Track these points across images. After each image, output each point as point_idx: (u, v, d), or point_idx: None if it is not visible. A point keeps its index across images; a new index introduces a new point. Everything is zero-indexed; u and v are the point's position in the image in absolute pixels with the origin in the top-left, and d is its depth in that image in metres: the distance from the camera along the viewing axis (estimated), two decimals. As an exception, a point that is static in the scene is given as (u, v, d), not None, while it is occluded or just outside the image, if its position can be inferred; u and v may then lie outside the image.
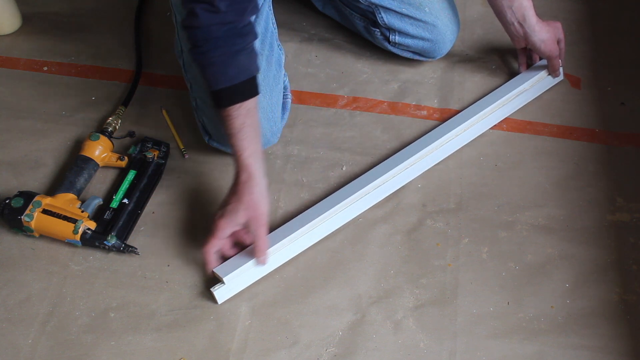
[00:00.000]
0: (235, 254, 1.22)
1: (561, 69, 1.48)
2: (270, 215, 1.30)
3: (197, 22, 1.10)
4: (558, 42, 1.44)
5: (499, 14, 1.42)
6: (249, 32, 1.14)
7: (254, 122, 1.17)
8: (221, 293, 1.20)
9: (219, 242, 1.19)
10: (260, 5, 1.34)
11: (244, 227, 1.19)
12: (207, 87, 1.15)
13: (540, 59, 1.49)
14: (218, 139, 1.34)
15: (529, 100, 1.47)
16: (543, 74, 1.47)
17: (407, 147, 1.37)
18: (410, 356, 1.15)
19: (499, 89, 1.47)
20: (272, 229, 1.27)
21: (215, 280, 1.21)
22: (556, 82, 1.50)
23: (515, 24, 1.41)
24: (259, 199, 1.17)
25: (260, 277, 1.23)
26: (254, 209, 1.17)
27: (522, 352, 1.15)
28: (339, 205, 1.28)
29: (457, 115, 1.42)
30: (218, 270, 1.20)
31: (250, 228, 1.18)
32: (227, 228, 1.18)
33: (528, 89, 1.47)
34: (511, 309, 1.20)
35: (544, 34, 1.41)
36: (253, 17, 1.17)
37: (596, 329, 1.17)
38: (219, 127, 1.30)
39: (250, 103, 1.16)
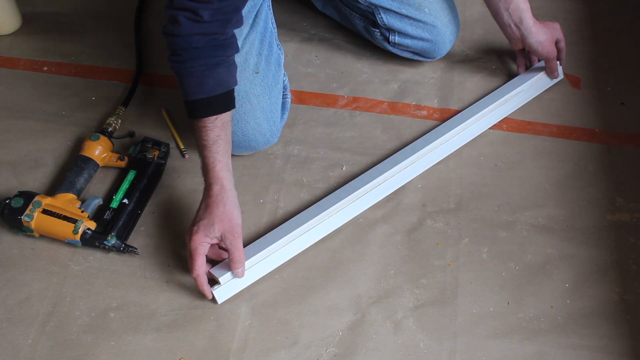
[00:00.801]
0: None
1: (561, 69, 1.48)
2: (270, 215, 1.31)
3: (179, 30, 1.09)
4: (557, 43, 1.44)
5: (496, 16, 1.42)
6: (231, 45, 1.14)
7: (228, 135, 1.17)
8: (220, 293, 1.20)
9: (202, 260, 1.16)
10: (259, 6, 1.34)
11: (219, 240, 1.17)
12: (183, 96, 1.15)
13: (539, 60, 1.49)
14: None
15: (528, 100, 1.47)
16: (542, 74, 1.47)
17: (407, 147, 1.37)
18: (410, 356, 1.15)
19: (498, 89, 1.47)
20: (271, 228, 1.27)
21: (214, 280, 1.21)
22: (555, 82, 1.50)
23: (512, 26, 1.41)
24: (232, 210, 1.16)
25: (261, 276, 1.23)
26: (229, 221, 1.15)
27: (522, 352, 1.15)
28: (338, 205, 1.28)
29: (457, 115, 1.43)
30: (214, 271, 1.20)
31: (226, 241, 1.16)
32: (204, 243, 1.16)
33: (526, 89, 1.47)
34: (511, 309, 1.20)
35: (541, 36, 1.41)
36: (236, 30, 1.16)
37: (596, 329, 1.17)
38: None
39: (226, 116, 1.16)
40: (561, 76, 1.50)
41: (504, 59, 1.55)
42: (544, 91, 1.49)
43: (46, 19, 1.66)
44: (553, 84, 1.50)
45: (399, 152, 1.37)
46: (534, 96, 1.48)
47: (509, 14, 1.39)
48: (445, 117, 1.45)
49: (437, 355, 1.15)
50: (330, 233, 1.29)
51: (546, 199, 1.33)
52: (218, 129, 1.15)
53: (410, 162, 1.35)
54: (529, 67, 1.50)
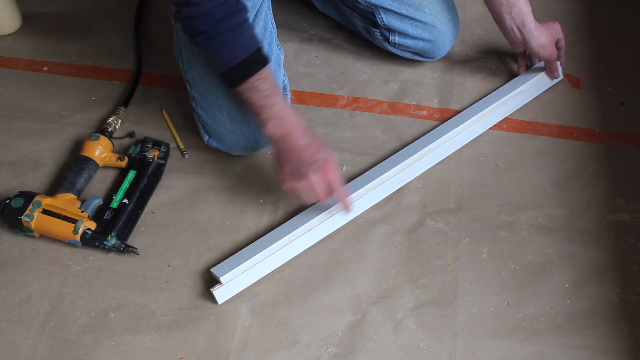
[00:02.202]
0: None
1: (561, 70, 1.48)
2: (270, 215, 1.31)
3: (199, 9, 1.11)
4: (558, 42, 1.44)
5: (498, 19, 1.41)
6: (243, 7, 1.17)
7: (274, 84, 1.21)
8: (221, 293, 1.20)
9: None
10: (258, 6, 1.34)
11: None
12: (221, 68, 1.17)
13: (539, 61, 1.49)
14: (218, 138, 1.34)
15: (528, 100, 1.47)
16: (542, 74, 1.48)
17: (406, 148, 1.37)
18: (410, 356, 1.15)
19: (498, 89, 1.47)
20: (271, 228, 1.27)
21: (215, 280, 1.21)
22: (555, 82, 1.50)
23: (515, 29, 1.40)
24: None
25: (261, 276, 1.23)
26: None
27: (522, 352, 1.15)
28: (338, 205, 1.28)
29: (457, 115, 1.42)
30: (216, 270, 1.21)
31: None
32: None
33: (527, 90, 1.47)
34: (511, 309, 1.20)
35: (543, 39, 1.40)
36: None
37: (596, 329, 1.17)
38: (219, 122, 1.31)
39: (268, 69, 1.19)
40: (561, 76, 1.50)
41: (504, 59, 1.55)
42: (544, 91, 1.49)
43: (46, 19, 1.66)
44: (553, 84, 1.50)
45: (398, 152, 1.37)
46: (534, 96, 1.48)
47: (511, 18, 1.39)
48: (445, 117, 1.45)
49: (437, 355, 1.15)
50: (331, 233, 1.29)
51: (546, 199, 1.33)
52: (266, 81, 1.19)
53: (409, 162, 1.35)
54: (529, 67, 1.50)
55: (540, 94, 1.49)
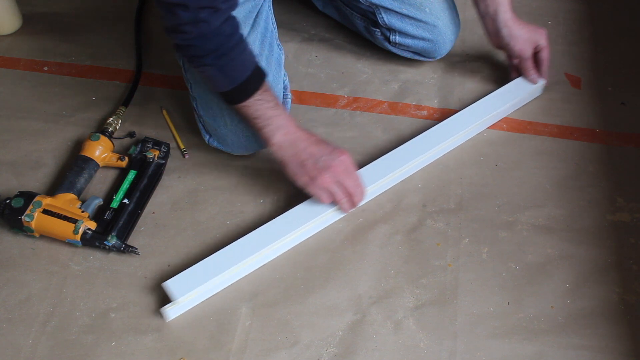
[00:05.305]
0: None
1: (542, 82, 1.45)
2: (270, 217, 1.31)
3: (207, 28, 1.10)
4: (539, 50, 1.41)
5: (475, 5, 1.41)
6: (239, 22, 1.17)
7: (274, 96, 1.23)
8: (172, 312, 1.17)
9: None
10: (259, 6, 1.34)
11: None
12: (229, 85, 1.17)
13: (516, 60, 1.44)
14: (218, 138, 1.34)
15: (514, 109, 1.45)
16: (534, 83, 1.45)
17: (395, 151, 1.35)
18: (410, 356, 1.15)
19: (487, 97, 1.44)
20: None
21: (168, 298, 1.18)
22: (538, 92, 1.47)
23: (488, 17, 1.39)
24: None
25: (220, 289, 1.21)
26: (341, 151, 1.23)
27: (522, 352, 1.15)
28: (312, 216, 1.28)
29: (442, 123, 1.40)
30: (169, 285, 1.17)
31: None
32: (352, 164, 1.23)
33: (515, 101, 1.44)
34: (511, 309, 1.20)
35: (517, 31, 1.39)
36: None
37: (596, 329, 1.17)
38: (219, 122, 1.31)
39: (268, 81, 1.21)
40: (541, 83, 1.45)
41: (505, 59, 1.55)
42: (544, 92, 1.49)
43: (46, 19, 1.66)
44: (537, 93, 1.47)
45: (392, 152, 1.35)
46: (520, 104, 1.46)
47: (486, 6, 1.38)
48: (445, 117, 1.44)
49: (437, 355, 1.15)
50: (330, 233, 1.29)
51: (546, 199, 1.33)
52: (270, 92, 1.21)
53: (391, 171, 1.34)
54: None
55: (541, 94, 1.49)
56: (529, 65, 1.43)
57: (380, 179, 1.32)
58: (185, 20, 1.09)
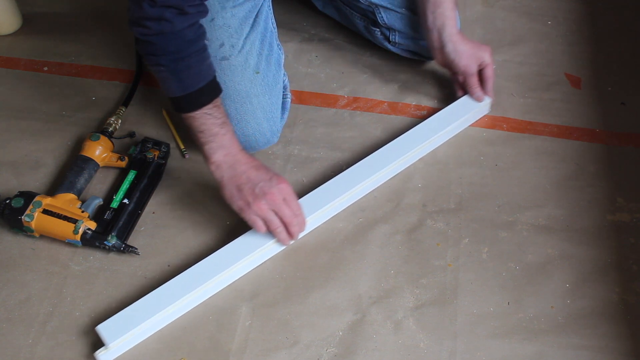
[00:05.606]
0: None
1: (489, 100, 1.42)
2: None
3: (170, 27, 1.08)
4: (483, 67, 1.39)
5: (422, 17, 1.38)
6: (205, 31, 1.15)
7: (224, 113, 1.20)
8: (106, 357, 1.13)
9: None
10: (259, 6, 1.34)
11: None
12: (179, 91, 1.14)
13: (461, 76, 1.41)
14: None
15: (464, 127, 1.42)
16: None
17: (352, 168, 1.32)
18: (410, 356, 1.15)
19: (431, 118, 1.40)
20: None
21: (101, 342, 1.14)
22: (484, 111, 1.44)
23: (435, 31, 1.36)
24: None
25: (159, 328, 1.17)
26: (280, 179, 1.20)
27: (522, 352, 1.15)
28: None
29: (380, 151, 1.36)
30: (102, 329, 1.13)
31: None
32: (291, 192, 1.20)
33: (460, 120, 1.41)
34: (511, 309, 1.20)
35: (461, 46, 1.36)
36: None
37: (596, 329, 1.17)
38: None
39: (220, 98, 1.18)
40: (487, 102, 1.42)
41: (505, 58, 1.55)
42: (544, 92, 1.49)
43: (46, 19, 1.66)
44: (485, 112, 1.44)
45: (330, 181, 1.31)
46: (467, 124, 1.43)
47: (434, 18, 1.35)
48: (445, 117, 1.44)
49: (437, 355, 1.15)
50: (330, 233, 1.29)
51: (546, 199, 1.33)
52: (220, 109, 1.18)
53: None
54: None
55: (541, 94, 1.49)
56: (474, 82, 1.40)
57: (319, 209, 1.27)
58: (150, 15, 1.07)
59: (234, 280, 1.23)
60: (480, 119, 1.45)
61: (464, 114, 1.40)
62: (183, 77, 1.13)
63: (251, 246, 1.22)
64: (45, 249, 1.28)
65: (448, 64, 1.40)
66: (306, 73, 1.54)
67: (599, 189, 1.34)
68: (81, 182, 1.32)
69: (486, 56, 1.38)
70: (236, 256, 1.21)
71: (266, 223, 1.19)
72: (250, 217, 1.18)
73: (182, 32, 1.10)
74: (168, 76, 1.14)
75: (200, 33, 1.13)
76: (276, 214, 1.19)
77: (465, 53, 1.37)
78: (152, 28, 1.08)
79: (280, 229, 1.20)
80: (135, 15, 1.09)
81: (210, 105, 1.16)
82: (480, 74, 1.41)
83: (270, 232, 1.21)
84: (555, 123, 1.45)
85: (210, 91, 1.16)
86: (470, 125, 1.44)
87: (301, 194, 1.31)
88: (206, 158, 1.19)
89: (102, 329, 1.13)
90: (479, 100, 1.41)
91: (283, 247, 1.26)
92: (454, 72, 1.42)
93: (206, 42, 1.16)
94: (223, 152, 1.18)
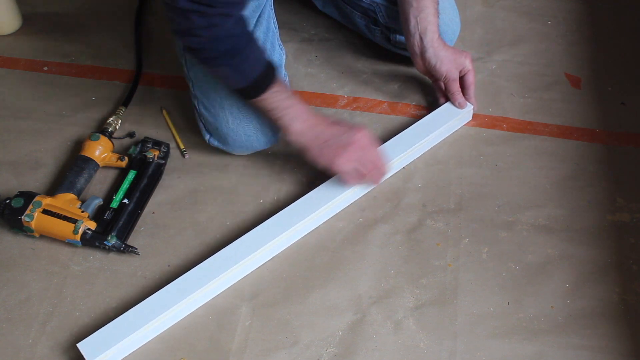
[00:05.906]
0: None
1: (471, 107, 1.41)
2: (270, 216, 1.30)
3: (222, 31, 1.11)
4: (464, 73, 1.38)
5: (405, 21, 1.37)
6: (245, 18, 1.17)
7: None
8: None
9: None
10: (262, 6, 1.34)
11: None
12: (243, 82, 1.18)
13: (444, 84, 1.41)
14: (219, 137, 1.34)
15: (447, 135, 1.41)
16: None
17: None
18: (410, 356, 1.15)
19: (412, 126, 1.38)
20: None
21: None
22: (465, 119, 1.42)
23: (417, 35, 1.35)
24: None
25: (145, 341, 1.16)
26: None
27: (522, 352, 1.15)
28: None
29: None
30: (84, 347, 1.11)
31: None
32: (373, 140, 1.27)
33: (442, 128, 1.39)
34: (511, 309, 1.20)
35: (442, 52, 1.35)
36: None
37: (596, 329, 1.17)
38: (221, 121, 1.31)
39: (279, 72, 1.24)
40: (469, 109, 1.40)
41: (505, 59, 1.55)
42: (544, 92, 1.49)
43: (46, 19, 1.66)
44: (467, 120, 1.43)
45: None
46: (450, 131, 1.42)
47: (416, 22, 1.34)
48: (445, 117, 1.44)
49: (437, 355, 1.15)
50: (330, 233, 1.29)
51: (546, 199, 1.33)
52: (284, 84, 1.23)
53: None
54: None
55: (541, 94, 1.49)
56: (456, 87, 1.39)
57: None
58: (200, 25, 1.09)
59: (231, 285, 1.23)
60: (480, 119, 1.45)
61: (446, 121, 1.39)
62: (244, 68, 1.17)
63: (250, 248, 1.22)
64: (45, 249, 1.28)
65: (429, 69, 1.39)
66: (306, 73, 1.54)
67: (599, 189, 1.34)
68: (81, 182, 1.32)
69: (467, 62, 1.38)
70: (228, 263, 1.20)
71: (356, 170, 1.25)
72: (341, 168, 1.24)
73: (231, 30, 1.12)
74: (230, 72, 1.18)
75: (244, 23, 1.16)
76: (363, 159, 1.25)
77: (446, 59, 1.36)
78: (204, 36, 1.11)
79: (371, 171, 1.26)
80: (182, 27, 1.11)
81: (274, 85, 1.20)
82: (462, 80, 1.40)
83: (361, 178, 1.27)
84: (555, 123, 1.45)
85: (270, 72, 1.20)
86: (470, 126, 1.44)
87: (301, 194, 1.31)
88: (284, 130, 1.24)
89: (83, 346, 1.11)
90: (461, 107, 1.40)
91: (282, 249, 1.27)
92: (435, 79, 1.42)
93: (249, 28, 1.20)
94: (299, 121, 1.22)
